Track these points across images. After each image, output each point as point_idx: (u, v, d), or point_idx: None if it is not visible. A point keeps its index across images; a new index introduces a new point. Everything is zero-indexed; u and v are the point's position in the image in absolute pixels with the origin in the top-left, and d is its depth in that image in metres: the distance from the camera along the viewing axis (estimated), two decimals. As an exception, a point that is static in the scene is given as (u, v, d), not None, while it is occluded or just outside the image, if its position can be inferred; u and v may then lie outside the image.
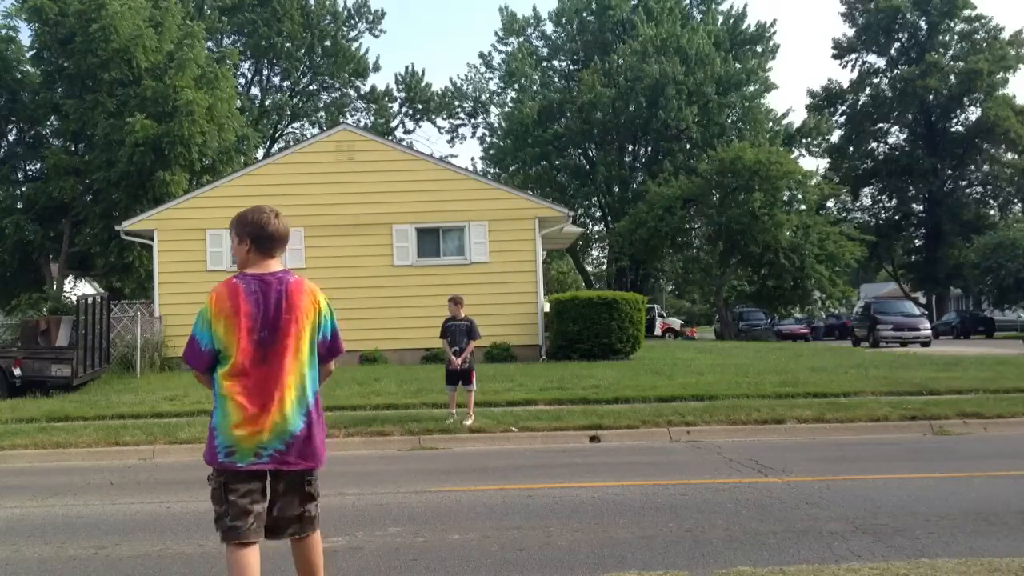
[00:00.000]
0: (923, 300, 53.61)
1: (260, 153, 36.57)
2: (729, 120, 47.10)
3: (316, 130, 45.79)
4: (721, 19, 50.33)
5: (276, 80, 49.81)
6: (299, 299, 3.42)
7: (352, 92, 50.27)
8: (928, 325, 31.33)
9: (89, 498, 7.23)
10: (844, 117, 54.92)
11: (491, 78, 53.67)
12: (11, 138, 27.58)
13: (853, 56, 55.06)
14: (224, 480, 3.32)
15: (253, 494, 3.33)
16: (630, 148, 49.69)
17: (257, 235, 3.44)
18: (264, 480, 3.38)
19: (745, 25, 49.99)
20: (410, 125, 52.97)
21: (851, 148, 54.31)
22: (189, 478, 8.18)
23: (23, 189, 26.21)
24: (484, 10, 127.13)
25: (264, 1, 44.05)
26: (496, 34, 55.19)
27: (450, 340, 10.39)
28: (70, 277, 27.33)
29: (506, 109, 51.74)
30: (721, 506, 6.22)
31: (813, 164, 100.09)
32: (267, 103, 48.48)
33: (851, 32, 54.86)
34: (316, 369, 3.50)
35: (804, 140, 51.71)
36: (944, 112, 52.02)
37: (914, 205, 54.30)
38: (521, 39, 52.05)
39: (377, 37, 57.66)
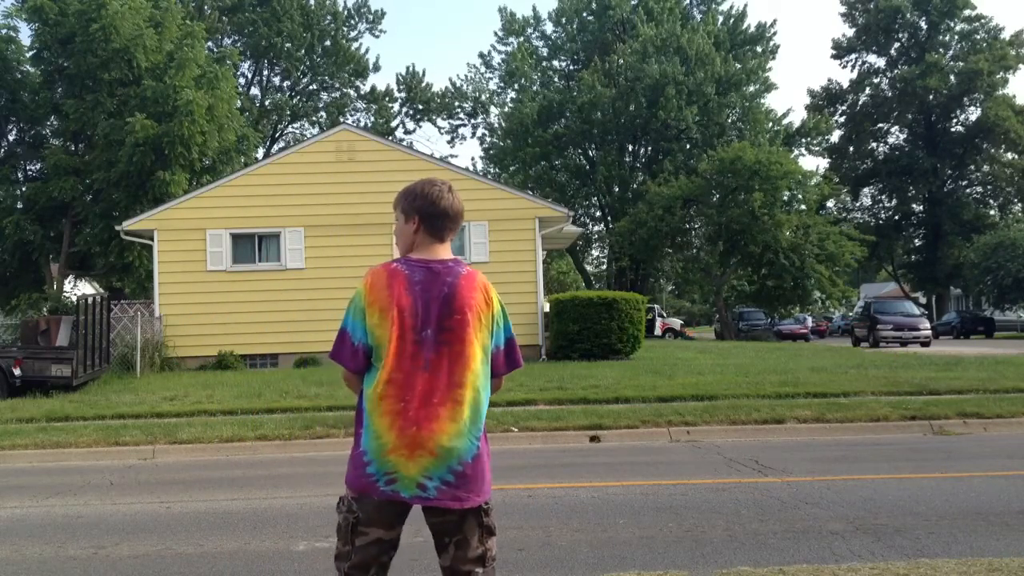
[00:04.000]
0: (923, 300, 53.62)
1: (260, 153, 36.55)
2: (729, 120, 47.04)
3: (316, 130, 45.78)
4: (721, 19, 50.24)
5: (276, 80, 49.82)
6: (471, 295, 2.78)
7: (352, 92, 50.28)
8: (928, 325, 31.31)
9: (89, 498, 7.22)
10: (844, 117, 54.89)
11: (491, 78, 53.71)
12: (11, 138, 27.62)
13: (853, 56, 55.07)
14: (354, 521, 2.77)
15: (383, 544, 2.80)
16: (630, 148, 49.64)
17: (428, 211, 2.84)
18: (402, 524, 2.85)
19: (745, 25, 49.93)
20: (410, 125, 53.04)
21: (851, 148, 54.30)
22: (189, 478, 8.19)
23: (23, 189, 26.24)
24: (484, 10, 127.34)
25: (264, 1, 44.07)
26: (496, 34, 55.25)
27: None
28: (70, 277, 27.36)
29: (506, 109, 51.70)
30: (721, 506, 6.21)
31: (813, 164, 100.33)
32: (267, 103, 48.43)
33: (851, 32, 54.88)
34: (489, 383, 2.85)
35: (804, 140, 51.72)
36: (944, 112, 52.00)
37: (914, 205, 54.28)
38: (521, 39, 51.98)
39: (377, 37, 57.70)
